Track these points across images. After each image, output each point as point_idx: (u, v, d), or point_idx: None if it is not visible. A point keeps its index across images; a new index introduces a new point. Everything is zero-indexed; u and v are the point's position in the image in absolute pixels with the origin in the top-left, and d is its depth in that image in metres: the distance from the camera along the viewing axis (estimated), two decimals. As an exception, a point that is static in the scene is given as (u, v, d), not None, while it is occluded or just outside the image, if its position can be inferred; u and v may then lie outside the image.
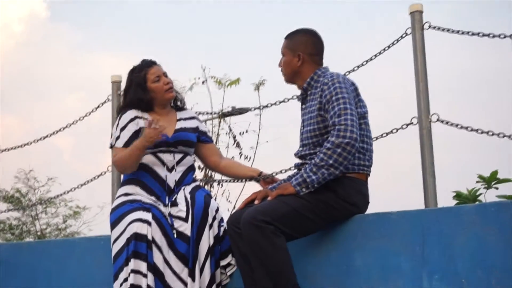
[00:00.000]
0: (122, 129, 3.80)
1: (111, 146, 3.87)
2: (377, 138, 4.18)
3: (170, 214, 3.65)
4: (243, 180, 4.46)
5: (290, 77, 3.66)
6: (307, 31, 3.67)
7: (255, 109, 5.29)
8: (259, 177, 3.98)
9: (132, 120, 3.81)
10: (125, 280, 3.48)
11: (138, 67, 3.94)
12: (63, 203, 17.08)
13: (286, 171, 3.97)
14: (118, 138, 3.80)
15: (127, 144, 3.75)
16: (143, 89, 3.86)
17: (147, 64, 3.93)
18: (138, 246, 3.49)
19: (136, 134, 3.77)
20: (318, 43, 3.65)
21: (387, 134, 4.19)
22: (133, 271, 3.46)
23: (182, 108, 4.06)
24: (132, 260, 3.47)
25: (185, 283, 3.53)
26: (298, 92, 3.72)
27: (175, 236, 3.58)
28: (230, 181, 4.67)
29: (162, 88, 3.88)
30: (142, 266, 3.47)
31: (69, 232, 17.45)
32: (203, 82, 8.42)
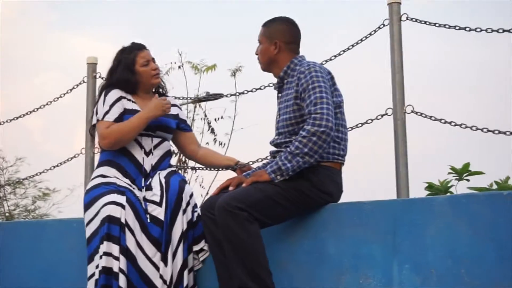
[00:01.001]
0: (112, 105, 3.79)
1: (96, 122, 3.83)
2: (352, 128, 4.21)
3: (144, 198, 3.65)
4: (219, 169, 4.48)
5: (267, 65, 3.67)
6: (285, 20, 3.67)
7: (231, 95, 5.29)
8: (236, 166, 3.99)
9: (118, 99, 3.81)
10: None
11: (128, 48, 3.93)
12: (32, 184, 16.91)
13: (262, 160, 3.98)
14: (107, 112, 3.77)
15: (118, 120, 3.75)
16: (131, 71, 3.87)
17: (138, 47, 3.93)
18: (111, 229, 3.48)
19: (123, 114, 3.77)
20: (295, 31, 3.66)
21: (362, 124, 4.22)
22: (105, 253, 3.46)
23: (163, 95, 4.06)
24: (104, 242, 3.46)
25: (157, 268, 3.53)
26: (275, 80, 3.72)
27: (148, 220, 3.59)
28: (204, 168, 4.68)
29: (149, 73, 3.89)
30: (115, 249, 3.47)
31: (38, 213, 17.29)
32: (179, 67, 8.38)
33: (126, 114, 3.79)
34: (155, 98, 3.78)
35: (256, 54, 3.69)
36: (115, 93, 3.83)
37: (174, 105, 4.04)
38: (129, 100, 3.84)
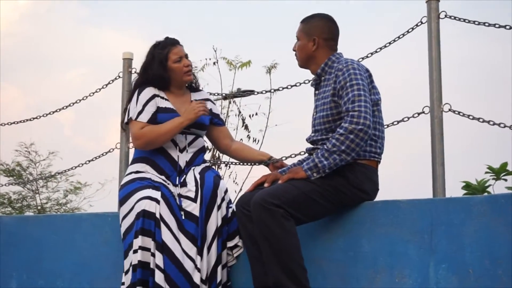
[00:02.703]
0: (145, 104, 3.80)
1: (129, 121, 3.85)
2: (388, 126, 4.18)
3: (179, 195, 3.65)
4: (251, 164, 4.48)
5: (304, 62, 3.65)
6: (323, 16, 3.66)
7: (265, 92, 5.27)
8: (269, 161, 3.99)
9: (152, 98, 3.82)
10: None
11: (161, 44, 3.93)
12: (64, 178, 17.08)
13: (295, 155, 3.97)
14: (141, 112, 3.79)
15: (151, 120, 3.77)
16: (163, 67, 3.86)
17: (171, 43, 3.92)
18: (146, 224, 3.49)
19: (156, 112, 3.78)
20: (333, 28, 3.64)
21: (398, 122, 4.19)
22: (140, 247, 3.47)
23: (196, 89, 4.06)
24: (139, 236, 3.47)
25: (194, 261, 3.53)
26: (310, 76, 3.71)
27: (183, 217, 3.59)
28: (237, 164, 4.69)
29: (181, 69, 3.89)
30: (150, 243, 3.48)
31: (70, 207, 17.47)
32: (214, 63, 8.36)
33: (159, 112, 3.80)
34: (192, 103, 3.79)
35: (294, 50, 3.68)
36: (148, 92, 3.84)
37: (208, 99, 4.05)
38: (162, 98, 3.84)
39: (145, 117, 3.77)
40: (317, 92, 3.63)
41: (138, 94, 3.84)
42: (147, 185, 3.63)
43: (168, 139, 3.74)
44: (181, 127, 3.74)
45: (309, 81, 3.78)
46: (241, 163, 4.51)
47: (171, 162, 3.76)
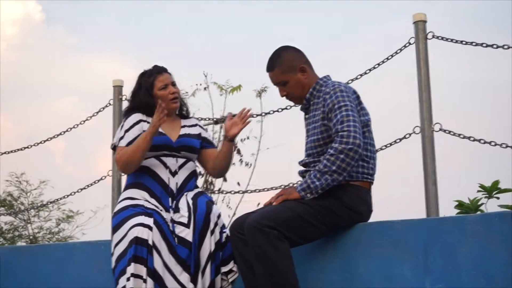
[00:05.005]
0: (127, 130, 3.82)
1: (114, 147, 3.88)
2: (381, 149, 4.19)
3: (172, 220, 3.64)
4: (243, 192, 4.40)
5: (300, 93, 3.59)
6: (286, 48, 3.63)
7: (257, 115, 5.29)
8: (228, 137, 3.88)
9: (137, 123, 3.84)
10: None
11: (148, 72, 3.97)
12: (56, 206, 16.98)
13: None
14: (122, 138, 3.81)
15: (130, 144, 3.77)
16: (149, 94, 3.89)
17: (158, 71, 3.96)
18: (139, 251, 3.48)
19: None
20: (301, 52, 3.64)
21: (391, 144, 4.21)
22: (133, 275, 3.45)
23: (186, 117, 4.07)
24: (132, 264, 3.46)
25: (184, 288, 3.51)
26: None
27: (176, 242, 3.58)
28: (225, 192, 4.65)
29: (167, 97, 3.90)
30: (142, 270, 3.46)
31: (62, 236, 17.35)
32: (205, 88, 8.37)
33: None
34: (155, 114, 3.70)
35: (283, 96, 3.64)
36: (134, 117, 3.86)
37: (196, 124, 4.05)
38: (150, 123, 3.84)
39: (124, 142, 3.79)
40: (307, 116, 3.63)
41: (124, 121, 3.87)
42: (140, 212, 3.62)
43: (142, 155, 3.70)
44: (149, 139, 3.68)
45: (300, 107, 3.76)
46: (233, 192, 4.46)
47: (162, 186, 3.76)
